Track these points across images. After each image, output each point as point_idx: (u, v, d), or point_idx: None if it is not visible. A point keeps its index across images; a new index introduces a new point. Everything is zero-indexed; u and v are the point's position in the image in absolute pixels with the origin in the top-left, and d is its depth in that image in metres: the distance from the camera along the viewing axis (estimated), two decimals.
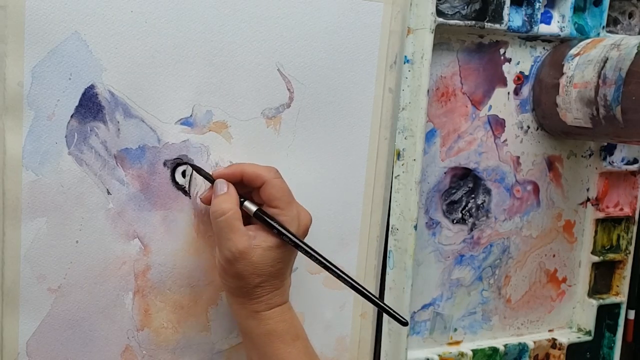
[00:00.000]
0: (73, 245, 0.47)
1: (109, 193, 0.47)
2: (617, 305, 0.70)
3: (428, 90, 0.55)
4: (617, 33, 0.66)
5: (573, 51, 0.59)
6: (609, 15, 0.64)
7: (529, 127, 0.63)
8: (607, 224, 0.70)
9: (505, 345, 0.65)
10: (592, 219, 0.68)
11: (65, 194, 0.46)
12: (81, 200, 0.46)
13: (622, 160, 0.68)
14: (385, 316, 0.59)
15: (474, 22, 0.57)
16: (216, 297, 0.52)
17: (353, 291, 0.47)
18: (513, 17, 0.59)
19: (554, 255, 0.68)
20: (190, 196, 0.50)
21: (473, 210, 0.62)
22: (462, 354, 0.63)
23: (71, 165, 0.46)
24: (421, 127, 0.55)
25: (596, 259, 0.68)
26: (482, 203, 0.62)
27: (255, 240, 0.46)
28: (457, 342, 0.64)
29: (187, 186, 0.50)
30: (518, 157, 0.63)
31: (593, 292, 0.70)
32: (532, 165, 0.64)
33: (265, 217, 0.46)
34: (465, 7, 0.58)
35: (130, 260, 0.49)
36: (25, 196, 0.45)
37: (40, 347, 0.47)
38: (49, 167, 0.45)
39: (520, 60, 0.62)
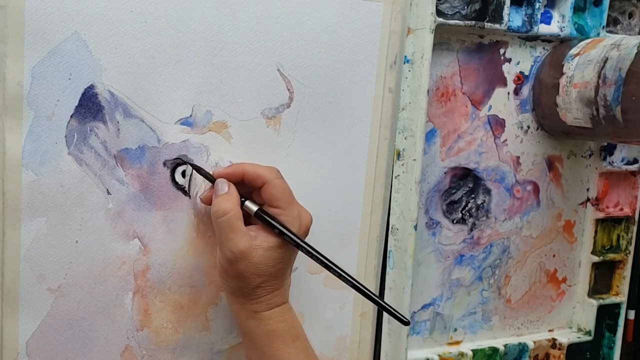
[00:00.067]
0: (73, 245, 0.47)
1: (108, 193, 0.47)
2: (617, 305, 0.70)
3: (428, 90, 0.55)
4: (617, 33, 0.66)
5: (573, 51, 0.59)
6: (609, 15, 0.64)
7: (529, 127, 0.63)
8: (607, 224, 0.70)
9: (505, 345, 0.65)
10: (592, 219, 0.68)
11: (65, 194, 0.46)
12: (81, 200, 0.46)
13: (622, 160, 0.68)
14: (385, 316, 0.59)
15: (474, 22, 0.57)
16: (216, 297, 0.52)
17: (353, 291, 0.47)
18: (513, 17, 0.59)
19: (554, 255, 0.68)
20: (190, 196, 0.50)
21: (473, 210, 0.62)
22: (462, 354, 0.63)
23: (71, 165, 0.46)
24: (421, 127, 0.55)
25: (596, 259, 0.68)
26: (482, 203, 0.62)
27: (256, 240, 0.46)
28: (457, 342, 0.64)
29: (187, 186, 0.50)
30: (518, 157, 0.63)
31: (593, 292, 0.70)
32: (532, 165, 0.64)
33: (267, 217, 0.46)
34: (465, 7, 0.58)
35: (130, 260, 0.49)
36: (25, 196, 0.45)
37: (40, 347, 0.47)
38: (49, 167, 0.45)
39: (520, 60, 0.62)
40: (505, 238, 0.64)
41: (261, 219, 0.47)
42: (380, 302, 0.48)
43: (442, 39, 0.58)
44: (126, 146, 0.47)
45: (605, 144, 0.67)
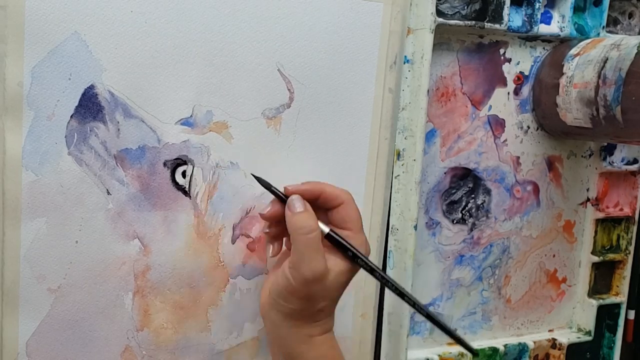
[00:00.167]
0: (73, 246, 0.47)
1: (108, 193, 0.47)
2: (617, 305, 0.70)
3: (428, 90, 0.55)
4: (617, 33, 0.66)
5: (573, 51, 0.59)
6: (609, 15, 0.64)
7: (529, 127, 0.63)
8: (607, 224, 0.70)
9: (505, 345, 0.65)
10: (592, 219, 0.68)
11: (65, 194, 0.46)
12: (81, 201, 0.46)
13: (622, 160, 0.68)
14: (385, 316, 0.59)
15: (474, 22, 0.57)
16: (216, 297, 0.52)
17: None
18: (513, 17, 0.59)
19: (554, 256, 0.68)
20: (190, 196, 0.50)
21: (473, 210, 0.62)
22: (462, 354, 0.63)
23: (71, 166, 0.46)
24: (421, 127, 0.55)
25: (596, 259, 0.68)
26: (482, 203, 0.62)
27: (329, 262, 0.45)
28: None
29: (187, 186, 0.50)
30: (518, 157, 0.63)
31: (593, 292, 0.70)
32: (532, 166, 0.64)
33: (347, 244, 0.46)
34: (465, 7, 0.58)
35: (130, 260, 0.49)
36: (25, 196, 0.45)
37: (40, 347, 0.47)
38: (49, 167, 0.45)
39: (520, 60, 0.62)
40: (505, 238, 0.64)
41: (334, 241, 0.46)
42: (453, 333, 0.47)
43: (442, 39, 0.58)
44: (126, 146, 0.47)
45: (605, 144, 0.67)
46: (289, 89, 0.52)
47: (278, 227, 0.49)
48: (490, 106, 0.61)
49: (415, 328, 0.61)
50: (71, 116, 0.45)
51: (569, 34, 0.61)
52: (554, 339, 0.68)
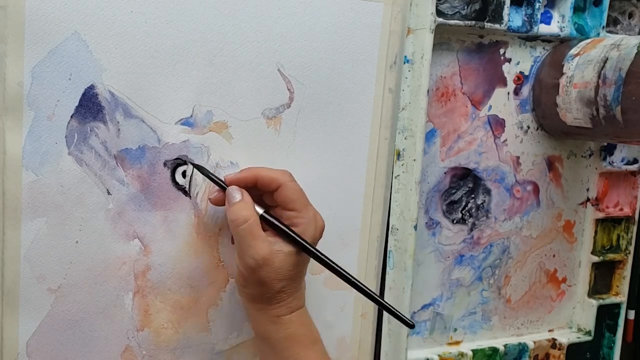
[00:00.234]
0: (73, 246, 0.47)
1: (109, 193, 0.47)
2: (617, 305, 0.70)
3: (428, 90, 0.55)
4: (617, 33, 0.66)
5: (573, 51, 0.59)
6: (609, 15, 0.64)
7: (529, 127, 0.63)
8: (607, 224, 0.70)
9: (505, 345, 0.65)
10: (592, 219, 0.68)
11: (65, 194, 0.46)
12: (81, 201, 0.46)
13: (622, 160, 0.68)
14: (385, 316, 0.59)
15: (474, 22, 0.57)
16: (216, 297, 0.52)
17: (354, 291, 0.47)
18: (513, 17, 0.59)
19: (554, 255, 0.68)
20: (190, 196, 0.50)
21: (473, 210, 0.62)
22: (462, 354, 0.63)
23: (71, 166, 0.46)
24: (421, 127, 0.55)
25: (596, 259, 0.68)
26: (482, 203, 0.62)
27: (276, 245, 0.45)
28: (457, 342, 0.64)
29: (187, 186, 0.50)
30: (518, 157, 0.63)
31: (593, 292, 0.70)
32: (532, 165, 0.64)
33: (277, 222, 0.46)
34: (465, 7, 0.58)
35: (130, 260, 0.49)
36: (25, 196, 0.45)
37: (40, 347, 0.47)
38: (49, 167, 0.45)
39: (520, 60, 0.62)
40: (505, 238, 0.64)
41: (268, 222, 0.46)
42: (388, 305, 0.48)
43: (442, 39, 0.58)
44: (126, 146, 0.47)
45: (605, 144, 0.67)
46: (289, 89, 0.52)
47: None
48: (490, 106, 0.61)
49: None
50: (71, 116, 0.45)
51: (569, 34, 0.61)
52: (554, 339, 0.68)
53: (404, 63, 0.56)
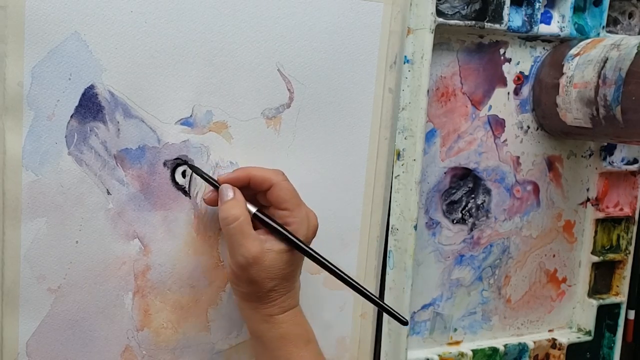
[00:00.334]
0: (73, 246, 0.47)
1: (109, 193, 0.47)
2: (617, 305, 0.70)
3: (428, 90, 0.55)
4: (617, 33, 0.66)
5: (573, 51, 0.59)
6: (609, 15, 0.64)
7: (529, 127, 0.63)
8: (607, 224, 0.70)
9: (505, 345, 0.65)
10: (592, 219, 0.68)
11: (65, 194, 0.46)
12: (81, 201, 0.46)
13: (622, 160, 0.68)
14: (385, 316, 0.59)
15: (474, 22, 0.57)
16: (216, 297, 0.52)
17: (353, 291, 0.47)
18: (513, 17, 0.59)
19: (554, 255, 0.68)
20: (190, 196, 0.50)
21: (473, 210, 0.62)
22: (462, 354, 0.63)
23: (71, 166, 0.46)
24: (421, 127, 0.55)
25: (596, 259, 0.68)
26: (482, 203, 0.62)
27: (266, 244, 0.46)
28: (457, 342, 0.64)
29: (187, 186, 0.50)
30: (518, 157, 0.63)
31: (593, 292, 0.70)
32: (532, 165, 0.64)
33: (268, 220, 0.46)
34: (465, 7, 0.58)
35: (130, 260, 0.49)
36: (25, 196, 0.45)
37: (40, 347, 0.47)
38: (49, 167, 0.45)
39: (520, 60, 0.62)
40: (505, 238, 0.64)
41: (262, 222, 0.47)
42: (379, 301, 0.48)
43: (442, 39, 0.58)
44: (126, 146, 0.47)
45: (605, 144, 0.67)
46: (288, 89, 0.52)
47: None
48: (490, 106, 0.61)
49: (415, 328, 0.61)
50: (71, 116, 0.45)
51: (569, 34, 0.61)
52: (554, 339, 0.68)
53: (404, 63, 0.56)
